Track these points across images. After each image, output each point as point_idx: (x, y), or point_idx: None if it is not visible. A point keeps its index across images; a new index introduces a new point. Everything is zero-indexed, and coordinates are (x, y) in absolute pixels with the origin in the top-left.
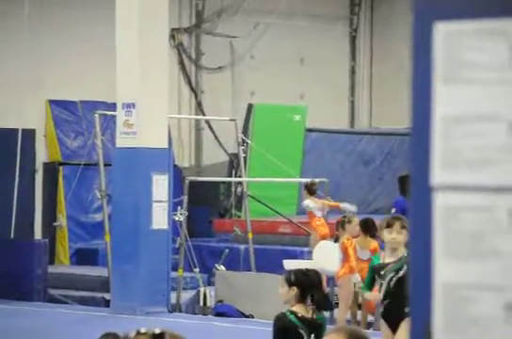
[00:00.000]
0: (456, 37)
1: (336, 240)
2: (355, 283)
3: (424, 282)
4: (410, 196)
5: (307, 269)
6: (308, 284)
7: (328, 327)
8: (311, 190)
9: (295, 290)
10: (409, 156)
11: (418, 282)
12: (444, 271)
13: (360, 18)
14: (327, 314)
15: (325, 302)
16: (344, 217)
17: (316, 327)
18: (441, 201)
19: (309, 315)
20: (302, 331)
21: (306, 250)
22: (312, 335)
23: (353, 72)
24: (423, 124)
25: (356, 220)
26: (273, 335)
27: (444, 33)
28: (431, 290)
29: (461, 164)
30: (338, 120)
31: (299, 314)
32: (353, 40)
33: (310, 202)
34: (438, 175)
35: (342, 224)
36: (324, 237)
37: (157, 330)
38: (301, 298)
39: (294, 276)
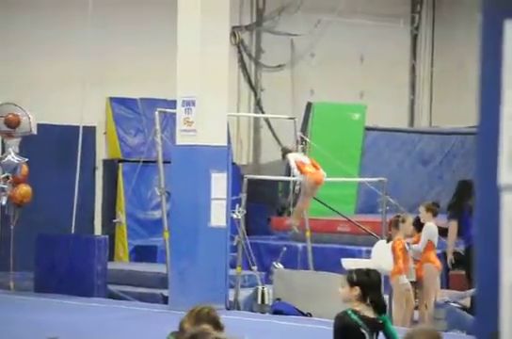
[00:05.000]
0: None
1: (389, 240)
2: (402, 285)
3: (492, 283)
4: (477, 196)
5: (368, 269)
6: (369, 285)
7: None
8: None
9: (357, 290)
10: (476, 157)
11: (485, 285)
12: None
13: (422, 16)
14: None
15: (381, 304)
16: (398, 216)
17: (378, 327)
18: (510, 201)
19: (371, 315)
20: (364, 331)
21: (364, 249)
22: (375, 335)
23: (413, 70)
24: (490, 124)
25: (410, 220)
26: (334, 334)
27: None
28: (499, 292)
29: None
30: (397, 118)
31: (361, 314)
32: (414, 38)
33: (292, 155)
34: (506, 175)
35: (395, 224)
36: (317, 181)
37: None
38: (362, 299)
39: (356, 276)
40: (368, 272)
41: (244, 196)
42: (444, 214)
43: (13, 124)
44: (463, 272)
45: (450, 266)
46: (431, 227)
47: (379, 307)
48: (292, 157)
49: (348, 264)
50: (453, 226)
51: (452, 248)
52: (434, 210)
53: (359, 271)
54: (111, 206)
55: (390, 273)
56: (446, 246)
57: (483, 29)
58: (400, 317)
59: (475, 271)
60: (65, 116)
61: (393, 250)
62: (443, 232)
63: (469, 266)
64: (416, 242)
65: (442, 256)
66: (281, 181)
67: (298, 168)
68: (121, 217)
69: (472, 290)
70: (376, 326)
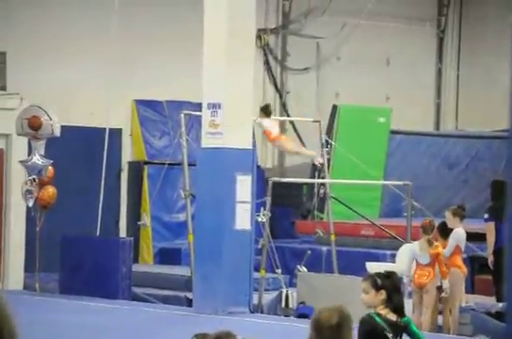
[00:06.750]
0: None
1: (430, 243)
2: (445, 289)
3: None
4: (508, 199)
5: (388, 272)
6: (393, 288)
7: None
8: (267, 112)
9: (383, 294)
10: (507, 160)
11: None
12: None
13: (449, 19)
14: None
15: (402, 306)
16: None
17: (401, 329)
18: None
19: (394, 318)
20: (389, 334)
21: (389, 252)
22: (398, 338)
23: (439, 73)
24: None
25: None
26: (359, 338)
27: None
28: None
29: None
30: (423, 122)
31: (385, 317)
32: (440, 41)
33: (264, 121)
34: None
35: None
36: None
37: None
38: (387, 302)
39: (380, 280)
40: (389, 275)
41: (268, 199)
42: (470, 218)
43: (35, 126)
44: (489, 277)
45: (492, 268)
46: (459, 232)
47: (400, 309)
48: (264, 122)
49: (373, 267)
50: (490, 228)
51: (491, 249)
52: (461, 214)
53: (380, 275)
54: (136, 208)
55: (406, 275)
56: (473, 250)
57: None
58: (430, 322)
59: (506, 275)
60: (91, 118)
61: (436, 255)
62: (477, 236)
63: (497, 268)
64: (443, 248)
65: (468, 261)
66: (306, 184)
67: (267, 135)
68: (146, 219)
69: (501, 304)
70: (399, 329)
